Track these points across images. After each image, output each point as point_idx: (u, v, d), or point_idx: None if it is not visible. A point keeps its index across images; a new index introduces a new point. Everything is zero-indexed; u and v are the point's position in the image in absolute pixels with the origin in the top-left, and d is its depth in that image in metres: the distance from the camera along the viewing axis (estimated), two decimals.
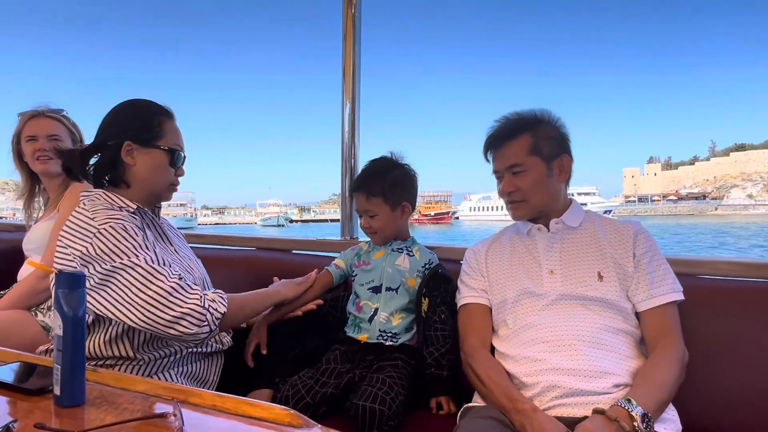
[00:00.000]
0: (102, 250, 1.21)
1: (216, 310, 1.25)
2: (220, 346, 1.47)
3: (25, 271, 1.96)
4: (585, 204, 54.85)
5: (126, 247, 1.22)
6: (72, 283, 0.81)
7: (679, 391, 1.17)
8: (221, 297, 1.30)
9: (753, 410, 1.26)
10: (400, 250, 1.58)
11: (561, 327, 1.24)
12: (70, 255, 1.24)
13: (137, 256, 1.21)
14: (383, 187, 1.53)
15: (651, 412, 1.06)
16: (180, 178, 1.46)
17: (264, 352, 1.49)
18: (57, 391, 0.80)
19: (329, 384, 1.40)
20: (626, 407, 1.05)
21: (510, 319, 1.32)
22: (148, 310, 1.18)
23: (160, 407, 0.80)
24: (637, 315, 1.27)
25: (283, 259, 2.02)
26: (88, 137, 1.54)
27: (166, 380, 1.31)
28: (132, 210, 1.34)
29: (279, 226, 58.78)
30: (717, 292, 1.40)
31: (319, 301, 1.63)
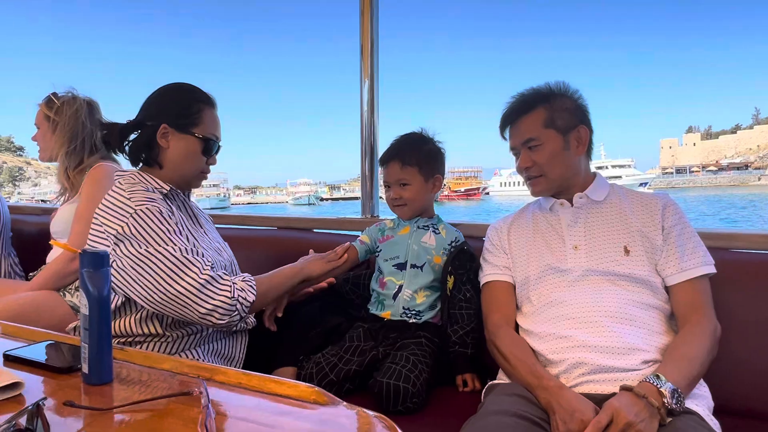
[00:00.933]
0: (137, 231, 1.23)
1: (245, 299, 1.27)
2: (245, 326, 1.46)
3: (54, 253, 1.99)
4: (620, 177, 53.77)
5: (162, 231, 1.23)
6: (96, 262, 0.81)
7: (712, 367, 1.14)
8: (250, 285, 1.30)
9: None
10: (426, 228, 1.56)
11: (587, 303, 1.21)
12: (104, 233, 1.26)
13: (173, 243, 1.23)
14: (419, 157, 1.53)
15: (681, 388, 1.03)
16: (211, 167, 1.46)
17: (279, 314, 1.48)
18: (85, 369, 0.81)
19: (353, 361, 1.40)
20: (655, 383, 1.02)
21: (534, 296, 1.30)
22: (181, 304, 1.20)
23: (187, 385, 0.80)
24: (667, 289, 1.23)
25: (304, 238, 2.01)
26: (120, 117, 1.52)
27: (193, 357, 1.32)
28: (165, 191, 1.36)
29: (309, 204, 59.18)
30: (751, 265, 1.35)
31: (331, 280, 1.61)
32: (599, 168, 56.71)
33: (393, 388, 1.26)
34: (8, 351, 0.92)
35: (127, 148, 1.41)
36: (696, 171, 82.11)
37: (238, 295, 1.26)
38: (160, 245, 1.22)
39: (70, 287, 1.84)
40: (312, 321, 1.55)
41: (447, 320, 1.46)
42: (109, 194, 1.31)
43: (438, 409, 1.32)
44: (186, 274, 1.21)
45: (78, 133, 1.93)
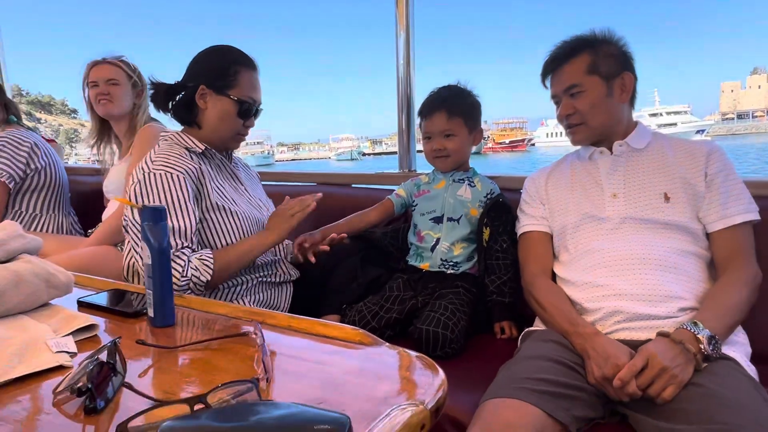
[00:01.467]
0: (139, 192, 1.31)
1: (198, 278, 1.29)
2: (289, 277, 1.56)
3: (109, 210, 2.12)
4: (675, 124, 51.08)
5: (157, 200, 1.29)
6: (155, 216, 0.87)
7: (752, 315, 1.14)
8: (206, 264, 1.30)
9: None
10: (462, 181, 1.58)
11: (624, 251, 1.22)
12: (132, 181, 1.35)
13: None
14: (464, 108, 1.54)
15: (719, 334, 1.04)
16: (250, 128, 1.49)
17: (315, 253, 1.49)
18: (151, 313, 0.89)
19: (393, 309, 1.46)
20: (692, 330, 1.03)
21: (571, 245, 1.32)
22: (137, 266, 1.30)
23: (243, 327, 0.87)
24: (708, 236, 1.23)
25: (343, 193, 2.06)
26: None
27: (241, 304, 1.39)
28: (199, 151, 1.41)
29: (352, 159, 59.30)
30: None
31: (343, 235, 1.54)
32: (653, 115, 53.81)
33: (432, 335, 1.31)
34: (81, 298, 1.01)
35: (171, 108, 1.46)
36: (760, 116, 76.05)
37: (191, 275, 1.28)
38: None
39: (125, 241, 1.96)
40: (353, 272, 1.62)
41: (484, 271, 1.49)
42: (150, 153, 1.39)
43: (476, 355, 1.38)
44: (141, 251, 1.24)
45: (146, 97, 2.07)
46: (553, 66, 1.35)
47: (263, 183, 2.25)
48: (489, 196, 1.56)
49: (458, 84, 1.60)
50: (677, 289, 1.15)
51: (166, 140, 1.43)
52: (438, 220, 1.56)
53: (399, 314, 1.46)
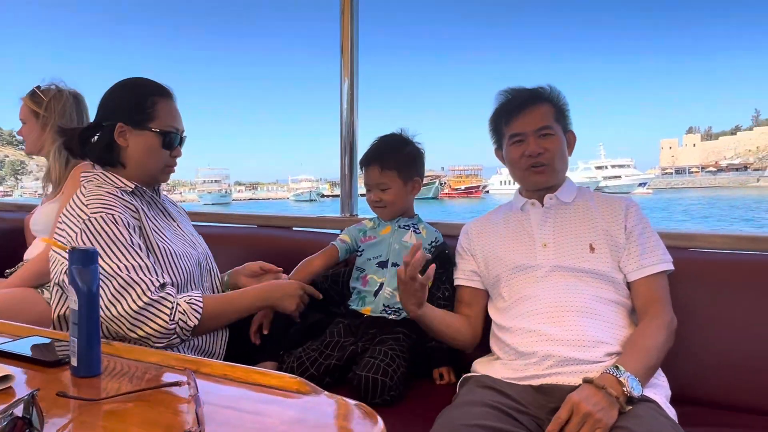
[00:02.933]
0: (91, 240, 1.22)
1: (185, 323, 1.24)
2: None
3: (33, 250, 1.98)
4: (619, 176, 53.36)
5: (112, 243, 1.22)
6: (85, 259, 0.84)
7: (670, 359, 1.22)
8: (194, 308, 1.26)
9: (741, 378, 1.31)
10: (407, 227, 1.61)
11: (554, 298, 1.28)
12: (65, 238, 1.27)
13: (119, 259, 1.21)
14: (398, 160, 1.57)
15: (639, 376, 1.10)
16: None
17: (265, 332, 1.48)
18: (74, 362, 0.84)
19: (333, 356, 1.44)
20: (614, 374, 1.08)
21: (506, 292, 1.37)
22: (117, 327, 1.20)
23: (173, 377, 0.83)
24: (629, 285, 1.31)
25: (283, 236, 2.05)
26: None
27: (174, 350, 1.33)
28: (129, 190, 1.36)
29: (311, 201, 58.57)
30: (709, 264, 1.45)
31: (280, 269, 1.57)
32: (599, 168, 56.40)
33: (371, 381, 1.30)
34: None
35: (90, 151, 1.39)
36: (695, 172, 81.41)
37: (179, 319, 1.23)
38: (105, 261, 1.20)
39: (48, 284, 1.84)
40: (291, 317, 1.58)
41: None
42: (72, 197, 1.31)
43: (415, 401, 1.37)
44: (123, 298, 1.19)
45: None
46: (521, 107, 1.39)
47: (204, 223, 2.21)
48: (434, 244, 1.60)
49: (400, 132, 1.64)
50: (602, 335, 1.21)
51: (90, 180, 1.35)
52: (383, 264, 1.57)
53: (339, 360, 1.44)
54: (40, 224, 1.95)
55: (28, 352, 0.92)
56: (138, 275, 1.21)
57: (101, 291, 1.19)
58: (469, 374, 1.33)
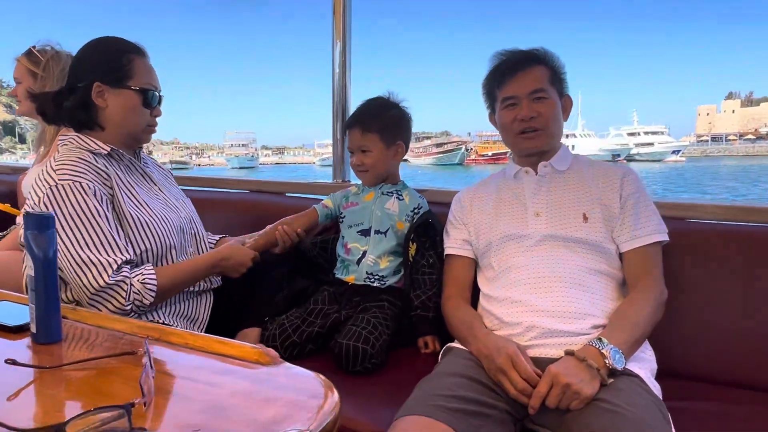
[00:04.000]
0: (54, 207, 1.20)
1: (141, 302, 1.25)
2: (209, 285, 1.49)
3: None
4: (652, 144, 52.13)
5: (75, 218, 1.20)
6: (40, 224, 0.81)
7: (659, 333, 1.18)
8: (149, 288, 1.25)
9: (731, 353, 1.28)
10: (390, 194, 1.57)
11: (542, 268, 1.24)
12: (31, 201, 1.25)
13: (78, 238, 1.19)
14: (380, 123, 1.52)
15: (623, 349, 1.07)
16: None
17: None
18: (33, 328, 0.82)
19: (316, 323, 1.43)
20: (597, 346, 1.06)
21: (495, 262, 1.33)
22: (79, 298, 1.22)
23: (133, 345, 0.82)
24: (621, 257, 1.27)
25: (276, 201, 2.03)
26: None
27: (156, 319, 1.33)
28: (105, 153, 1.32)
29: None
30: (707, 236, 1.39)
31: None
32: (631, 134, 54.95)
33: (352, 349, 1.29)
34: None
35: (65, 115, 1.34)
36: (733, 140, 77.12)
37: (134, 299, 1.23)
38: (66, 234, 1.19)
39: None
40: (279, 284, 1.58)
41: (410, 285, 1.48)
42: (47, 161, 1.28)
43: (397, 370, 1.36)
44: (79, 277, 1.19)
45: None
46: (515, 69, 1.33)
47: (197, 188, 2.20)
48: (416, 211, 1.56)
49: (389, 96, 1.59)
50: (589, 307, 1.18)
51: (65, 144, 1.32)
52: (365, 232, 1.54)
53: (321, 328, 1.42)
54: (26, 187, 1.94)
55: None
56: (96, 254, 1.20)
57: (61, 262, 1.18)
58: (452, 344, 1.31)
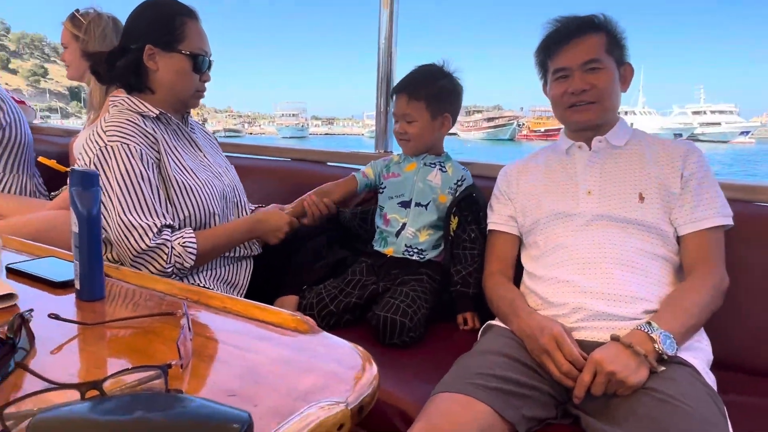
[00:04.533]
0: (102, 167, 1.22)
1: (182, 265, 1.26)
2: (249, 251, 1.49)
3: None
4: (718, 123, 49.07)
5: (119, 180, 1.21)
6: (85, 181, 0.81)
7: (716, 321, 1.10)
8: (189, 251, 1.26)
9: None
10: (433, 165, 1.52)
11: (593, 248, 1.17)
12: (81, 161, 1.27)
13: (121, 201, 1.21)
14: (428, 92, 1.46)
15: (675, 336, 1.00)
16: (209, 84, 1.41)
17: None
18: (77, 285, 0.83)
19: (353, 294, 1.41)
20: (646, 330, 0.99)
21: (541, 240, 1.27)
22: (123, 253, 1.23)
23: (172, 306, 0.82)
24: (679, 240, 1.18)
25: (317, 170, 2.00)
26: None
27: (198, 282, 1.35)
28: (153, 116, 1.32)
29: None
30: None
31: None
32: (696, 113, 52.03)
33: (390, 322, 1.27)
34: (10, 264, 0.94)
35: (117, 75, 1.35)
36: None
37: (175, 261, 1.24)
38: (112, 196, 1.21)
39: None
40: (318, 253, 1.56)
41: (450, 260, 1.44)
42: (98, 121, 1.29)
43: (435, 345, 1.33)
44: (126, 237, 1.20)
45: None
46: (567, 37, 1.24)
47: (239, 155, 2.20)
48: (459, 183, 1.50)
49: (443, 64, 1.52)
50: (642, 291, 1.11)
51: (115, 106, 1.32)
52: (405, 204, 1.50)
53: (359, 299, 1.40)
54: (79, 148, 1.98)
55: (40, 272, 0.91)
56: (138, 218, 1.21)
57: (107, 223, 1.20)
58: (493, 322, 1.27)
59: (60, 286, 0.87)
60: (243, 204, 1.54)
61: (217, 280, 1.41)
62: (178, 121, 1.41)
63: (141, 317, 0.77)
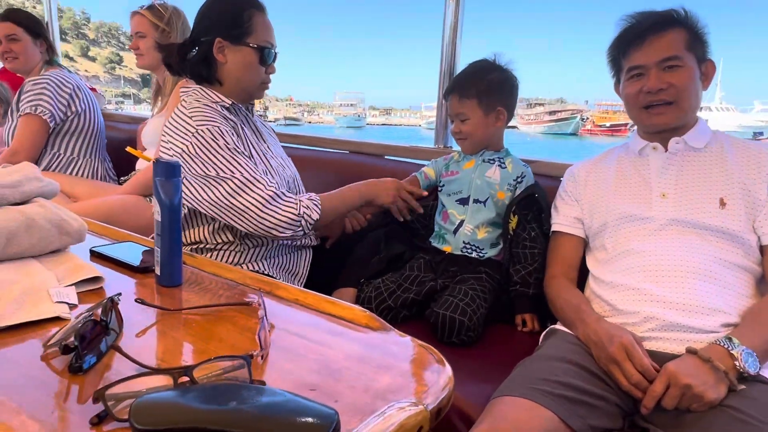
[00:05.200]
0: (201, 151, 1.25)
1: (309, 216, 1.29)
2: (309, 242, 1.52)
3: (144, 161, 2.12)
4: None
5: (224, 152, 1.25)
6: (168, 171, 0.83)
7: None
8: (315, 203, 1.32)
9: None
10: (492, 161, 1.50)
11: (667, 255, 1.12)
12: (170, 151, 1.30)
13: (237, 164, 1.24)
14: (478, 89, 1.44)
15: (758, 353, 0.95)
16: (274, 75, 1.44)
17: (327, 246, 1.56)
18: (158, 271, 0.86)
19: (411, 290, 1.41)
20: (726, 345, 0.94)
21: (610, 243, 1.22)
22: (246, 216, 1.25)
23: (248, 296, 0.84)
24: (762, 250, 1.12)
25: (374, 163, 2.00)
26: None
27: (260, 269, 1.39)
28: (227, 105, 1.35)
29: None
30: None
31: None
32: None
33: (449, 320, 1.26)
34: (94, 247, 0.99)
35: (188, 67, 1.39)
36: None
37: (303, 212, 1.28)
38: (225, 167, 1.24)
39: None
40: (375, 247, 1.57)
41: (509, 259, 1.42)
42: (174, 111, 1.33)
43: (493, 346, 1.32)
44: (252, 190, 1.24)
45: None
46: (644, 34, 1.18)
47: (296, 146, 2.23)
48: (519, 180, 1.47)
49: (494, 58, 1.49)
50: (720, 302, 1.05)
51: (190, 95, 1.37)
52: (464, 201, 1.49)
53: (417, 295, 1.40)
54: (149, 136, 2.06)
55: (121, 256, 0.96)
56: (255, 175, 1.25)
57: (219, 191, 1.24)
58: (555, 326, 1.24)
59: (140, 271, 0.91)
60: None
61: (278, 268, 1.45)
62: (246, 112, 1.44)
63: (219, 306, 0.79)
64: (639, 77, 1.19)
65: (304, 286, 1.45)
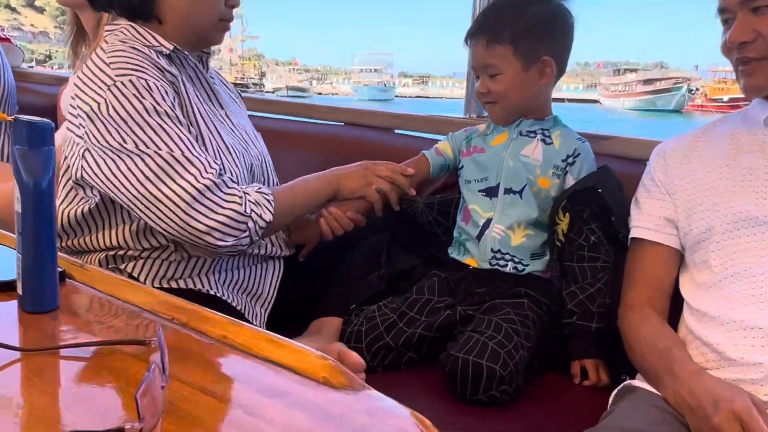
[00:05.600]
0: (116, 111, 1.19)
1: (260, 217, 1.24)
2: (279, 250, 1.48)
3: (62, 132, 2.07)
4: None
5: (147, 119, 1.19)
6: (32, 136, 0.75)
7: None
8: (267, 199, 1.27)
9: None
10: (532, 134, 1.44)
11: None
12: (77, 109, 1.25)
13: (161, 139, 1.19)
14: (514, 29, 1.38)
15: None
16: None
17: (301, 259, 1.51)
18: (19, 290, 0.79)
19: (419, 322, 1.36)
20: None
21: (716, 260, 1.15)
22: (167, 212, 1.17)
23: (147, 330, 0.77)
24: None
25: (379, 139, 1.98)
26: None
27: (203, 287, 1.34)
28: (166, 52, 1.31)
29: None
30: None
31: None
32: None
33: (473, 367, 1.20)
34: None
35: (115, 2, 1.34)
36: None
37: (251, 210, 1.22)
38: (148, 137, 1.18)
39: None
40: (374, 259, 1.53)
41: (560, 277, 1.37)
42: (91, 57, 1.28)
43: (539, 407, 1.28)
44: (180, 175, 1.17)
45: None
46: None
47: (273, 115, 2.19)
48: (571, 161, 1.42)
49: None
50: None
51: (116, 35, 1.32)
52: (491, 191, 1.44)
53: (427, 330, 1.36)
54: (68, 98, 2.01)
55: None
56: (192, 152, 1.20)
57: (132, 169, 1.18)
58: (632, 382, 1.18)
59: (2, 289, 0.84)
60: (273, 183, 1.54)
61: (233, 288, 1.40)
62: (196, 62, 1.40)
63: (99, 344, 0.72)
64: (726, 24, 1.16)
65: (272, 314, 1.45)
